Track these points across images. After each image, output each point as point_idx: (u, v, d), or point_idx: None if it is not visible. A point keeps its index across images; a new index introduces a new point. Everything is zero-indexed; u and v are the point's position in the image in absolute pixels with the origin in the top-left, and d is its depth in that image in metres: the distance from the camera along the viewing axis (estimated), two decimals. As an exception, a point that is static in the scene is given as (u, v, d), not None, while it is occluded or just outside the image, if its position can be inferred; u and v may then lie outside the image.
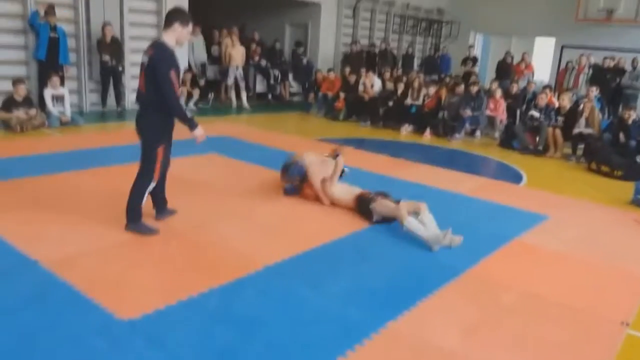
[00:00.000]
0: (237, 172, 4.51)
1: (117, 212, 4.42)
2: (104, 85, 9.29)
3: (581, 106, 8.39)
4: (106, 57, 8.95)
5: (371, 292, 3.37)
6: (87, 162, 5.89)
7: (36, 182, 5.12)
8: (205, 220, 4.39)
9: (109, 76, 9.21)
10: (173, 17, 3.79)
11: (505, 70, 12.98)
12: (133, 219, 3.97)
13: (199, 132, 3.91)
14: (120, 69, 9.31)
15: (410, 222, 4.20)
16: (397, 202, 4.45)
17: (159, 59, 3.69)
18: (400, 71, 12.46)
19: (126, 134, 8.03)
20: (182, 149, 6.83)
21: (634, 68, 11.51)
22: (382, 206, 4.45)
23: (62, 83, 8.33)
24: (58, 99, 8.14)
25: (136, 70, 10.04)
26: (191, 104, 10.85)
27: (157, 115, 3.84)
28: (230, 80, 11.66)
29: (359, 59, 12.88)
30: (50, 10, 8.31)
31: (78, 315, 2.82)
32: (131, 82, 10.11)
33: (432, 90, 10.02)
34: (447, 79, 11.56)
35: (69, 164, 5.76)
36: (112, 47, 9.06)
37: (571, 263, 4.14)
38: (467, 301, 3.35)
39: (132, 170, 5.74)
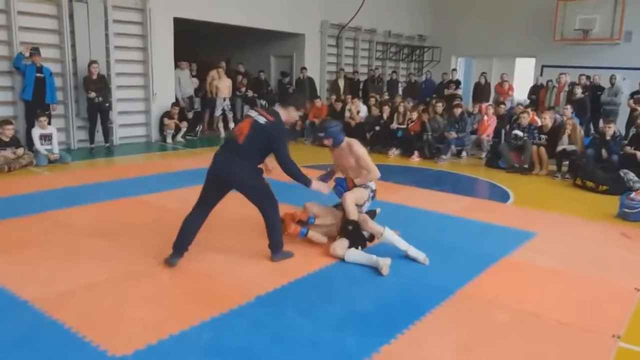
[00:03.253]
0: (225, 203, 4.54)
1: (106, 247, 4.44)
2: (91, 122, 9.32)
3: (563, 120, 8.59)
4: (92, 94, 9.02)
5: (363, 316, 3.38)
6: (75, 200, 5.88)
7: (25, 221, 5.11)
8: (196, 252, 4.36)
9: (96, 113, 9.26)
10: (292, 100, 4.28)
11: (482, 92, 13.27)
12: (280, 249, 4.24)
13: (316, 185, 4.21)
14: (107, 105, 9.37)
15: (350, 256, 4.28)
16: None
17: (278, 129, 4.01)
18: (386, 96, 12.71)
19: (115, 170, 8.07)
20: (171, 182, 6.88)
21: (612, 84, 11.78)
22: (333, 251, 4.39)
23: (49, 122, 8.37)
24: (46, 137, 8.17)
25: (123, 106, 10.27)
26: (179, 137, 10.93)
27: (253, 165, 4.06)
28: (218, 112, 11.78)
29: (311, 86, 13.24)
30: (35, 51, 8.40)
31: (70, 354, 2.80)
32: (118, 118, 10.20)
33: (415, 114, 10.20)
34: (428, 101, 11.75)
35: (58, 202, 5.75)
36: (98, 84, 9.14)
37: (561, 278, 4.17)
38: (459, 322, 3.36)
39: (120, 205, 5.81)
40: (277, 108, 4.20)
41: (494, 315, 3.48)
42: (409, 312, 3.44)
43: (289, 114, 4.16)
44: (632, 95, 11.16)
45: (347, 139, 4.76)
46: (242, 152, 3.96)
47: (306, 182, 4.12)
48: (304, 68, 13.41)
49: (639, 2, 13.45)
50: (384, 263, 4.10)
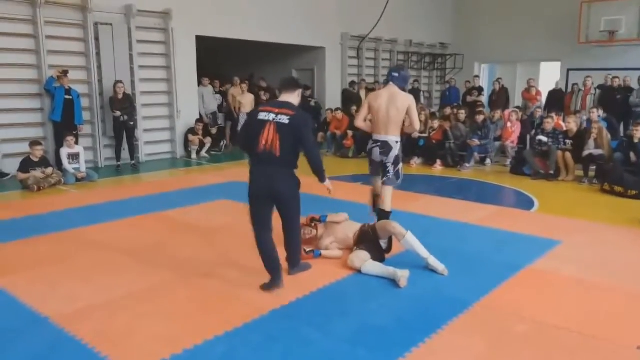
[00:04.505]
0: (244, 217, 4.57)
1: (127, 263, 4.52)
2: (117, 141, 9.57)
3: (586, 125, 8.40)
4: (118, 113, 9.26)
5: (379, 330, 3.34)
6: (100, 217, 6.01)
7: (50, 238, 5.25)
8: (211, 267, 4.41)
9: (122, 131, 9.50)
10: (296, 84, 4.12)
11: (498, 98, 13.04)
12: (298, 263, 4.25)
13: (328, 183, 4.07)
14: (132, 123, 9.59)
15: (367, 268, 4.23)
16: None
17: (304, 120, 3.88)
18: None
19: (140, 187, 8.24)
20: (194, 197, 6.98)
21: (642, 86, 11.48)
22: (351, 263, 4.37)
23: (77, 142, 8.62)
24: (74, 156, 8.41)
25: (148, 124, 10.49)
26: (203, 152, 11.09)
27: (294, 174, 3.93)
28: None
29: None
30: (63, 74, 8.69)
31: (86, 370, 2.86)
32: (144, 135, 10.43)
33: (436, 122, 10.12)
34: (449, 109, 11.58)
35: (83, 219, 5.89)
36: (124, 104, 9.38)
37: (585, 288, 4.05)
38: (477, 334, 3.29)
39: (144, 221, 5.90)
40: (285, 97, 3.97)
41: (513, 327, 3.39)
42: (425, 324, 3.39)
43: (298, 97, 4.04)
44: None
45: (401, 93, 4.95)
46: (283, 163, 3.80)
47: (324, 178, 4.00)
48: (354, 82, 13.92)
49: (667, 0, 13.12)
50: (402, 275, 4.05)
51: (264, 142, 3.76)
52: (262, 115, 3.82)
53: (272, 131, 3.74)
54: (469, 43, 16.79)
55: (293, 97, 3.97)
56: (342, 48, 14.35)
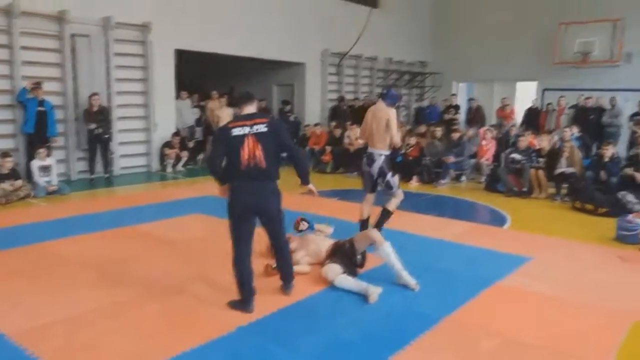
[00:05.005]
0: (217, 231, 4.51)
1: (94, 278, 4.42)
2: (91, 153, 9.41)
3: (559, 144, 8.56)
4: (93, 126, 9.13)
5: (347, 346, 3.31)
6: (69, 230, 5.89)
7: (14, 253, 5.11)
8: (183, 282, 4.34)
9: (97, 144, 9.36)
10: (252, 95, 4.00)
11: (473, 117, 13.22)
12: (293, 278, 4.15)
13: (312, 186, 4.12)
14: (107, 136, 9.46)
15: (340, 282, 4.22)
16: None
17: (279, 123, 3.98)
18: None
19: (112, 200, 8.10)
20: (167, 211, 6.89)
21: (613, 106, 11.76)
22: (325, 274, 4.36)
23: (49, 154, 8.46)
24: (45, 169, 8.25)
25: (124, 137, 10.36)
26: (179, 166, 10.99)
27: (278, 187, 3.89)
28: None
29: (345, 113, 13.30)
30: (37, 86, 8.56)
31: (41, 388, 2.76)
32: (119, 148, 10.30)
33: (413, 139, 10.22)
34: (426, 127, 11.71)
35: (50, 233, 5.75)
36: (99, 116, 9.25)
37: (553, 304, 4.07)
38: (444, 350, 3.29)
39: (114, 235, 5.79)
40: (248, 110, 3.85)
41: (480, 343, 3.39)
42: (393, 340, 3.37)
43: (260, 107, 4.01)
44: (631, 116, 11.11)
45: (384, 108, 5.31)
46: (270, 175, 3.77)
47: (308, 179, 4.04)
48: (343, 98, 14.14)
49: (639, 24, 13.49)
50: (373, 291, 4.03)
51: (246, 156, 3.66)
52: (237, 131, 3.70)
53: (252, 143, 3.67)
54: (447, 62, 17.05)
55: (254, 108, 3.91)
56: (322, 64, 14.44)
